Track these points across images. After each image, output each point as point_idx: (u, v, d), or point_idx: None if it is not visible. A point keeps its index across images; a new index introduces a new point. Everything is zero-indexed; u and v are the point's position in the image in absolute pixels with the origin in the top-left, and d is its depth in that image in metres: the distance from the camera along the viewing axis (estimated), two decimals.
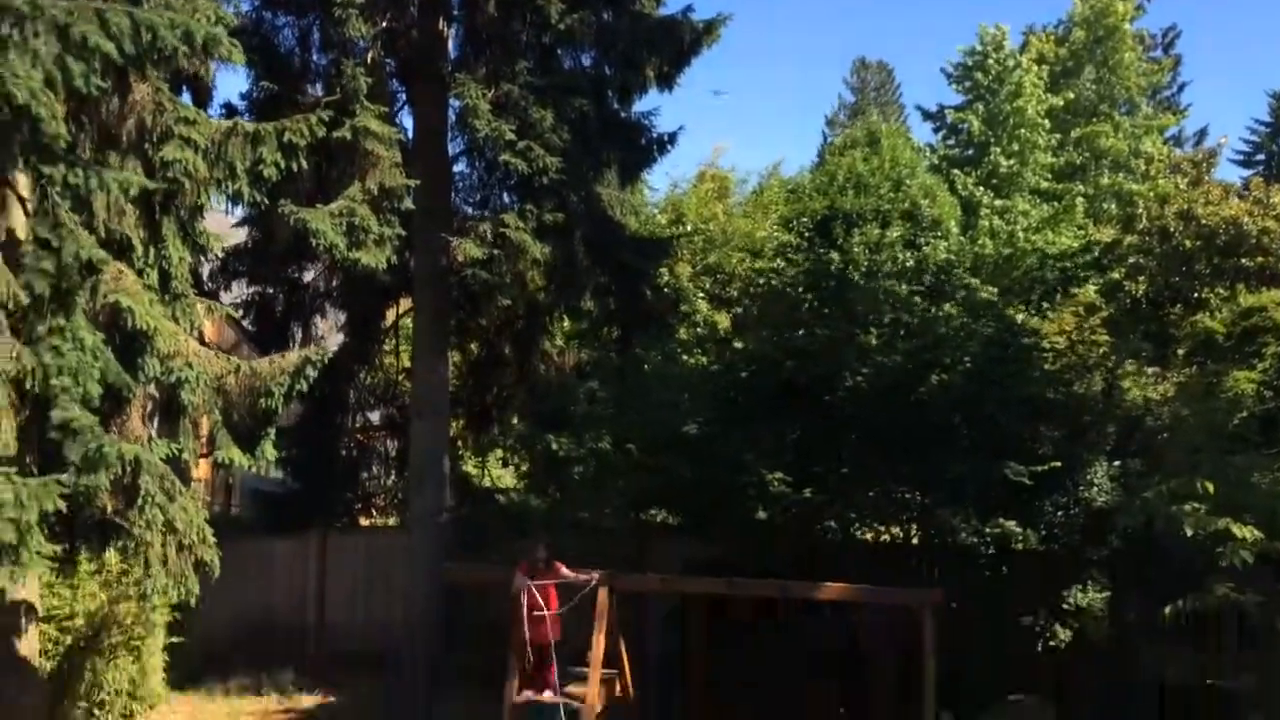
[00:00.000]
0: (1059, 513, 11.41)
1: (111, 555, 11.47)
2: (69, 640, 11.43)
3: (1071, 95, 24.26)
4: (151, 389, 9.95)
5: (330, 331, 18.28)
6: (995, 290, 13.56)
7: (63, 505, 8.11)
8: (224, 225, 14.16)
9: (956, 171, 21.90)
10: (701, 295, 18.20)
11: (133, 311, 8.68)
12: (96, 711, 11.74)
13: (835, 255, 14.06)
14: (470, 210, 15.66)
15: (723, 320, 17.52)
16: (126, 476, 8.70)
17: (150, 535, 8.98)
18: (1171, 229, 13.32)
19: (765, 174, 24.99)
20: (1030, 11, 76.93)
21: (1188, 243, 13.15)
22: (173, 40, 8.63)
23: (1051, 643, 11.14)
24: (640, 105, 14.80)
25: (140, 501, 8.82)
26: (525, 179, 13.03)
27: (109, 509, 9.21)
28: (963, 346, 11.84)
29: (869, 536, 13.46)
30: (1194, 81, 34.02)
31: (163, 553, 9.12)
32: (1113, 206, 21.81)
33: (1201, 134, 31.03)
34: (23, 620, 9.97)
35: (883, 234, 15.56)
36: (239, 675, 13.61)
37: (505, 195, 15.10)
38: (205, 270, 15.34)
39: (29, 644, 10.07)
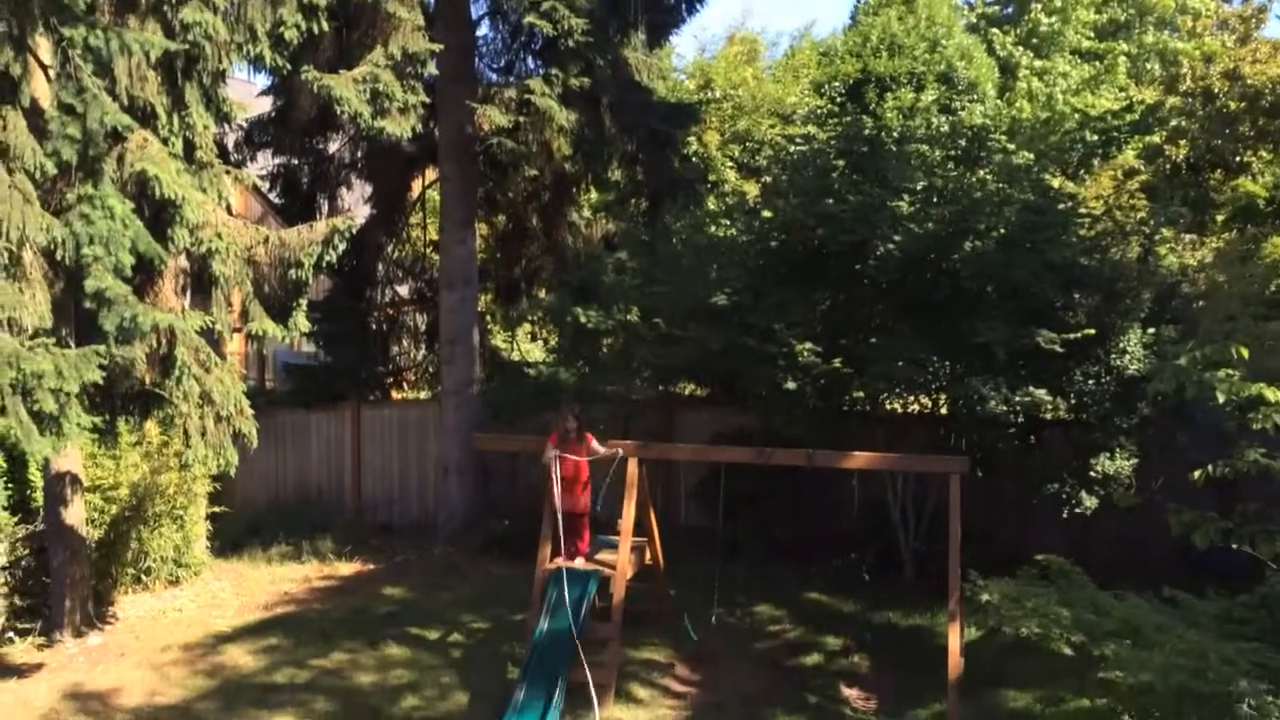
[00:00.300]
0: (1090, 381, 11.32)
1: (152, 427, 11.78)
2: (114, 510, 11.72)
3: None
4: (182, 261, 9.98)
5: (357, 205, 18.21)
6: (1032, 155, 13.23)
7: (100, 377, 8.21)
8: (247, 97, 13.97)
9: (995, 31, 21.27)
10: (730, 165, 17.93)
11: (159, 180, 8.63)
12: (144, 578, 12.14)
13: (868, 120, 13.73)
14: (495, 77, 15.39)
15: (751, 190, 17.29)
16: (162, 347, 8.82)
17: (188, 406, 9.13)
18: (1216, 89, 12.92)
19: (797, 36, 24.45)
20: None
21: (1232, 104, 12.76)
22: None
23: (1078, 510, 11.21)
24: None
25: (176, 373, 8.94)
26: (550, 42, 12.73)
27: (147, 380, 9.37)
28: (997, 212, 11.57)
29: (897, 406, 13.46)
30: None
31: (201, 424, 9.28)
32: (1156, 67, 21.11)
33: None
34: (68, 490, 10.24)
35: (917, 98, 15.20)
36: (279, 543, 13.95)
37: (530, 60, 14.82)
38: (230, 141, 15.24)
39: (75, 513, 10.35)
